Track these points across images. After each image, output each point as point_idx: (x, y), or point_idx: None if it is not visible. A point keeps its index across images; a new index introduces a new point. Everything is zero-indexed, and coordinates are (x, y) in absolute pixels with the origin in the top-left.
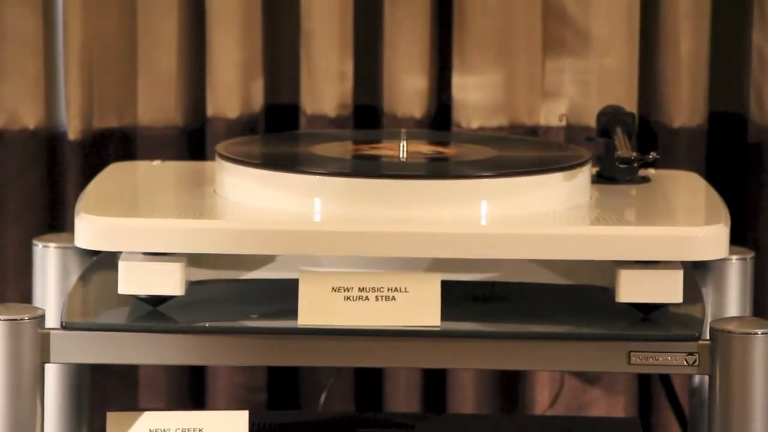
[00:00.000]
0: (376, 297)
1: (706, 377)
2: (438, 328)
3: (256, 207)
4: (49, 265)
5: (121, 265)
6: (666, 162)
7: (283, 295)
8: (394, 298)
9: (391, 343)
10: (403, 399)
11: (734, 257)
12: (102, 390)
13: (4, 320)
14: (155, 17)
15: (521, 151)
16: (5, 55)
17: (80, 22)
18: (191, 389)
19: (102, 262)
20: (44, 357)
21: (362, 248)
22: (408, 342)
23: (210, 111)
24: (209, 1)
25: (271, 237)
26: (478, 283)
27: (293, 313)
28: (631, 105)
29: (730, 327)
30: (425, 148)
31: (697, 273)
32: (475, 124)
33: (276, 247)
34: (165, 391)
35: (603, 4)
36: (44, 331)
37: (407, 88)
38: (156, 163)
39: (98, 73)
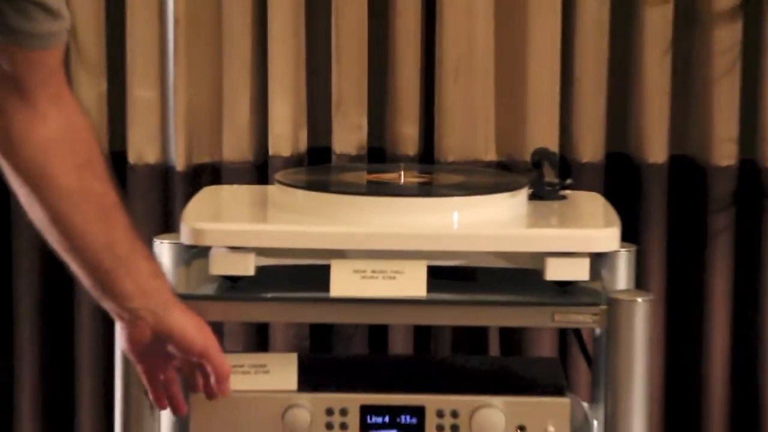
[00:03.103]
0: (383, 276)
1: (605, 330)
2: (424, 297)
3: (303, 216)
4: (164, 255)
5: (212, 254)
6: (577, 186)
7: (320, 275)
8: (394, 277)
9: (392, 307)
10: (400, 345)
11: (623, 249)
12: None
13: None
14: (234, 86)
15: (481, 178)
16: (135, 115)
17: (185, 90)
18: (259, 338)
19: (200, 253)
20: None
21: (374, 243)
22: (403, 306)
23: (271, 151)
24: (271, 73)
25: (313, 236)
26: (451, 267)
27: (327, 287)
28: (554, 146)
29: (620, 296)
30: (416, 176)
31: (598, 260)
32: (450, 159)
33: (316, 243)
34: (242, 340)
35: (535, 82)
36: None
37: (404, 136)
38: (235, 186)
39: (197, 124)
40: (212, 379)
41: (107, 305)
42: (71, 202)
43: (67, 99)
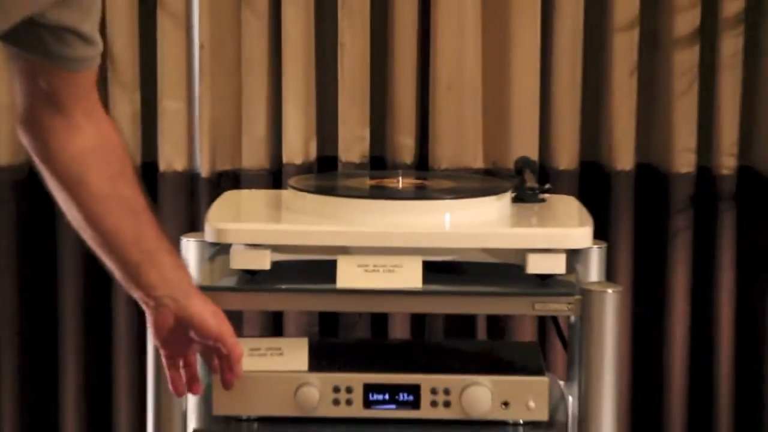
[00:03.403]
0: (383, 270)
1: (579, 317)
2: (420, 289)
3: (313, 217)
4: (190, 252)
5: (233, 251)
6: (555, 190)
7: (329, 269)
8: (393, 271)
9: (391, 297)
10: (399, 331)
11: (595, 246)
12: None
13: None
14: (252, 103)
15: (470, 183)
16: (165, 130)
17: (209, 107)
18: (274, 325)
19: (222, 250)
20: None
21: (375, 241)
22: (401, 297)
23: (285, 159)
24: (284, 91)
25: (322, 234)
26: (444, 262)
27: (334, 280)
28: (534, 155)
29: (592, 287)
30: (413, 181)
31: (573, 255)
32: (443, 166)
33: (324, 241)
34: (259, 326)
35: (517, 98)
36: None
37: (401, 146)
38: (253, 191)
39: (219, 136)
40: (227, 363)
41: (135, 294)
42: (104, 205)
43: (100, 114)
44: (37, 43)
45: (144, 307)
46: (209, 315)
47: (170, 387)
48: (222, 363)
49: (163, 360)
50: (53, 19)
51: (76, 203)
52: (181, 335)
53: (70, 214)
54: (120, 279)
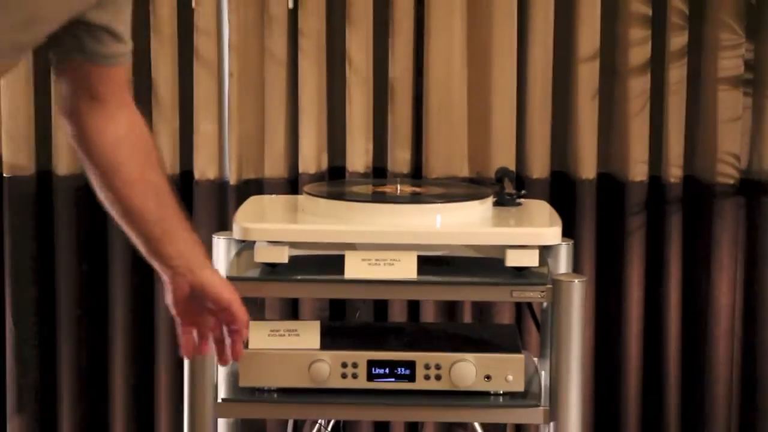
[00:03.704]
0: (384, 263)
1: (550, 303)
2: (415, 279)
3: (324, 218)
4: (220, 247)
5: (256, 247)
6: (530, 195)
7: (337, 263)
8: (393, 264)
9: (391, 286)
10: (397, 315)
11: (564, 243)
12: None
13: None
14: (273, 121)
15: (457, 189)
16: (200, 144)
17: (236, 125)
18: (292, 310)
19: (247, 246)
20: None
21: (377, 238)
22: (399, 286)
23: (301, 169)
24: (300, 112)
25: (332, 233)
26: (435, 256)
27: (342, 271)
28: (512, 166)
29: (561, 278)
30: (409, 188)
31: (545, 251)
32: (434, 175)
33: (334, 238)
34: (278, 311)
35: (497, 118)
36: None
37: (400, 158)
38: (274, 196)
39: (245, 149)
40: (234, 327)
41: (155, 264)
42: (133, 188)
43: (131, 107)
44: (76, 42)
45: (163, 275)
46: (221, 284)
47: (181, 350)
48: (231, 332)
49: (179, 329)
50: (90, 18)
51: (109, 185)
52: (195, 306)
53: (102, 194)
54: (142, 250)
